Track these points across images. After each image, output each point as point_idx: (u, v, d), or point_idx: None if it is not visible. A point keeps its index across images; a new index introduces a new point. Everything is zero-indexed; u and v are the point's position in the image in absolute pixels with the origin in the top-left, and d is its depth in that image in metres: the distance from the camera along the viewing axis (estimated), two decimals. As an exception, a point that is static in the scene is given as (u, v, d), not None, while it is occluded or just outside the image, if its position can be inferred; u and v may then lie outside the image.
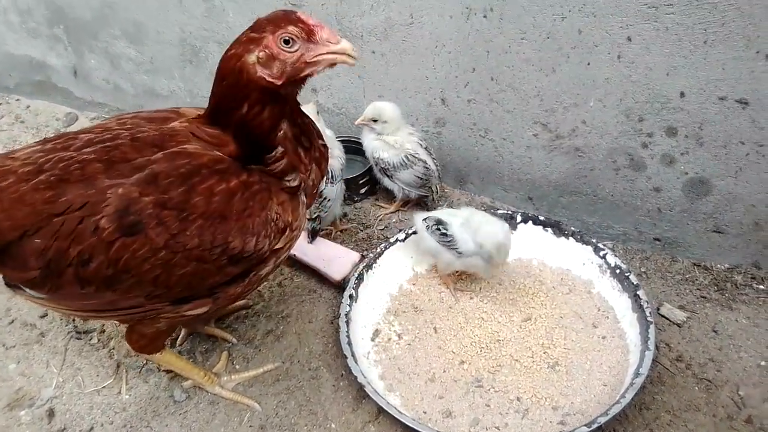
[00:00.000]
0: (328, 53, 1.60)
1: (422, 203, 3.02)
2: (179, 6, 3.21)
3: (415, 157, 2.82)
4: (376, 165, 2.91)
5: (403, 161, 2.80)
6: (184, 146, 1.74)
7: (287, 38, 1.57)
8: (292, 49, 1.58)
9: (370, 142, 2.91)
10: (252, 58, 1.60)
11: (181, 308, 1.84)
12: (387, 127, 2.84)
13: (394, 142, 2.82)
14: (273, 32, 1.58)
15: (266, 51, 1.58)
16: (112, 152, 1.72)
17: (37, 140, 1.91)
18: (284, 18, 1.59)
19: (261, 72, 1.60)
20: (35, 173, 1.69)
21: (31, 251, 1.66)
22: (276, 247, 1.83)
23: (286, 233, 1.85)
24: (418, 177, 2.84)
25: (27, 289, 1.76)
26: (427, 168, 2.84)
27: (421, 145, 2.87)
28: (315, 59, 1.60)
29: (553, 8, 2.39)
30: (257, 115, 1.68)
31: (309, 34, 1.58)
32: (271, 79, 1.61)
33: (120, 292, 1.72)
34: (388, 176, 2.89)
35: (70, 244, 1.64)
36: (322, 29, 1.59)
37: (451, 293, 2.54)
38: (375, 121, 2.83)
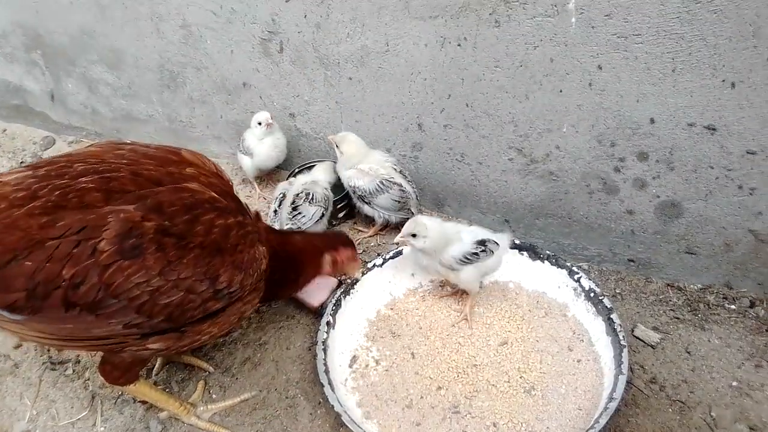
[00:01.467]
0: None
1: (401, 227, 3.04)
2: (157, 33, 3.22)
3: (390, 181, 2.85)
4: (354, 193, 2.93)
5: (379, 187, 2.83)
6: (186, 184, 1.87)
7: (350, 256, 2.41)
8: (345, 264, 2.42)
9: (344, 172, 2.93)
10: (328, 257, 2.34)
11: (146, 341, 1.85)
12: (346, 157, 2.91)
13: (368, 169, 2.84)
14: (346, 250, 2.40)
15: (336, 258, 2.37)
16: (112, 183, 1.78)
17: (23, 165, 1.91)
18: (352, 243, 2.44)
19: (326, 266, 2.36)
20: (29, 199, 1.71)
21: (19, 274, 1.65)
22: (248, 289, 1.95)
23: (262, 282, 1.99)
24: (395, 200, 2.86)
25: (2, 312, 1.72)
26: (403, 190, 2.87)
27: (395, 169, 2.90)
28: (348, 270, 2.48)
29: (525, 37, 2.43)
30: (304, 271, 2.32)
31: (354, 258, 2.44)
32: (325, 272, 2.39)
33: (102, 318, 1.72)
34: (366, 203, 2.90)
35: (63, 267, 1.64)
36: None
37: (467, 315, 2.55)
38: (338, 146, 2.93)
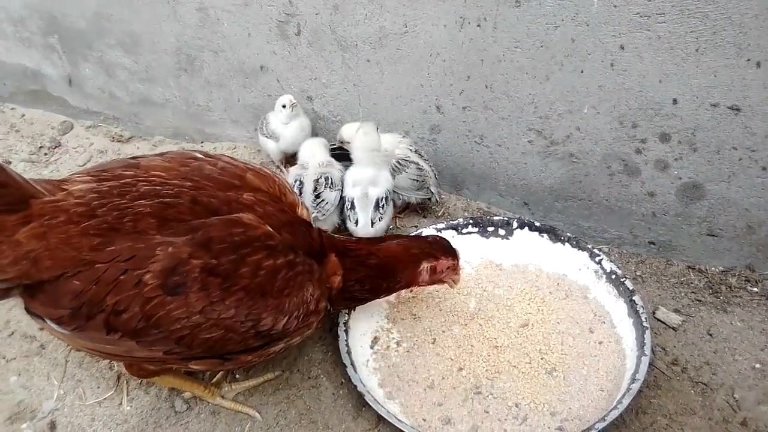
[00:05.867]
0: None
1: (421, 209, 3.06)
2: (174, 16, 3.22)
3: (407, 160, 2.85)
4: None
5: (396, 167, 2.83)
6: (240, 215, 1.82)
7: (451, 266, 2.26)
8: (445, 273, 2.27)
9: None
10: (426, 265, 2.21)
11: (189, 362, 1.89)
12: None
13: (384, 149, 2.83)
14: (447, 259, 2.24)
15: (435, 266, 2.23)
16: (168, 210, 1.76)
17: (91, 169, 1.92)
18: (454, 252, 2.27)
19: (425, 275, 2.23)
20: (87, 216, 1.71)
21: (66, 291, 1.68)
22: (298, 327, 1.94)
23: (311, 318, 1.96)
24: (414, 179, 2.86)
25: (51, 323, 1.76)
26: (420, 168, 2.86)
27: (410, 149, 2.89)
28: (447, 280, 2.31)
29: (546, 17, 2.41)
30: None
31: (456, 268, 2.28)
32: (422, 281, 2.27)
33: (142, 344, 1.75)
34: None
35: (108, 292, 1.66)
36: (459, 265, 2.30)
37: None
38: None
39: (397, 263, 2.18)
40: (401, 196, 2.91)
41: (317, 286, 1.94)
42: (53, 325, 1.75)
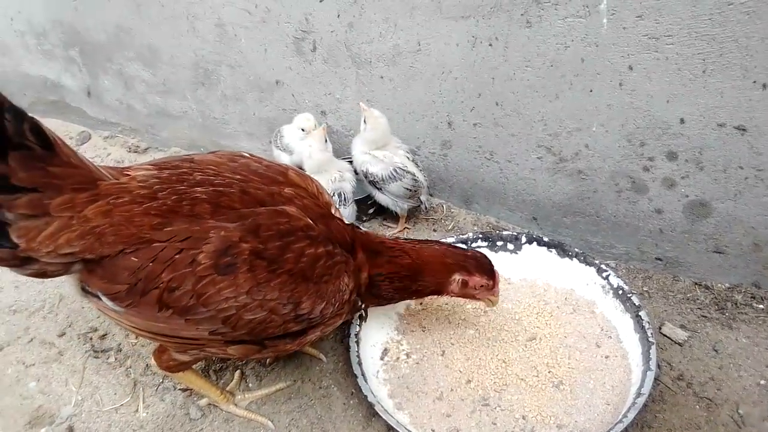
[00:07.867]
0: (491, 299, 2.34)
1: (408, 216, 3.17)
2: (192, 31, 3.31)
3: (404, 170, 2.91)
4: (366, 178, 2.99)
5: (392, 174, 2.90)
6: (285, 207, 1.96)
7: (485, 285, 2.27)
8: (477, 291, 2.29)
9: (359, 156, 3.00)
10: (457, 277, 2.24)
11: (228, 346, 1.97)
12: (367, 138, 2.95)
13: (383, 156, 2.92)
14: (480, 277, 2.25)
15: (466, 281, 2.25)
16: (222, 198, 1.89)
17: (150, 161, 2.05)
18: (492, 272, 2.27)
19: (454, 286, 2.26)
20: (149, 198, 1.84)
21: (124, 267, 1.77)
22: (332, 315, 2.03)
23: (344, 308, 2.06)
24: (407, 189, 2.93)
25: (106, 300, 1.84)
26: (415, 180, 2.94)
27: (408, 158, 2.96)
28: (482, 298, 2.34)
29: (556, 38, 2.47)
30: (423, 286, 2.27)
31: (491, 288, 2.29)
32: (451, 292, 2.29)
33: (190, 322, 1.83)
34: (377, 188, 2.97)
35: (164, 270, 1.76)
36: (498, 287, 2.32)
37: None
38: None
39: (428, 268, 2.23)
40: (395, 201, 2.98)
41: (352, 278, 2.07)
42: (108, 302, 1.83)
